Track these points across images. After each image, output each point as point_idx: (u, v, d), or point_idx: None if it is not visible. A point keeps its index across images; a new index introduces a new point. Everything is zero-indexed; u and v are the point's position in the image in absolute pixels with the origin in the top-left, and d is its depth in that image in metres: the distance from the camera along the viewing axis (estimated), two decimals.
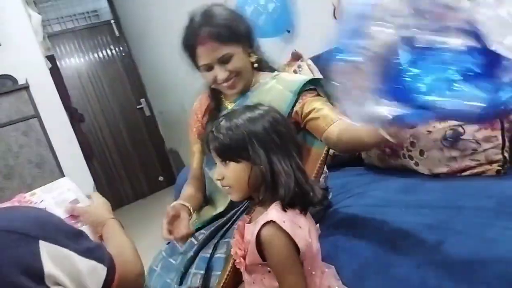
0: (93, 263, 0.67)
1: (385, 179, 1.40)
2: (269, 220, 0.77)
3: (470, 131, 1.16)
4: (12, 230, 0.58)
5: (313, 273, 0.82)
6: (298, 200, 0.81)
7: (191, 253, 1.09)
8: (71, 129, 2.73)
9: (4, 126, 2.38)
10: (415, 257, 0.89)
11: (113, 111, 4.45)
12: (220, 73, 1.16)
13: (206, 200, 1.36)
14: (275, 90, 1.21)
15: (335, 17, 1.89)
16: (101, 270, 0.68)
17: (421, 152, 1.27)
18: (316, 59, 1.89)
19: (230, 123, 0.83)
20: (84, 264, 0.65)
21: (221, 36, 1.13)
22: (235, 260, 0.87)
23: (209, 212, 1.29)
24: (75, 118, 4.02)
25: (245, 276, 0.87)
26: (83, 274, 0.64)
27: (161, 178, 4.55)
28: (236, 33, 1.16)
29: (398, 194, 1.22)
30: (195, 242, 1.13)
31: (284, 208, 0.79)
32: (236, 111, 0.89)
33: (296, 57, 1.91)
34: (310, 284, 0.81)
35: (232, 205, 1.21)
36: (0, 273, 0.54)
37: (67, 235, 0.65)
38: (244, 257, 0.82)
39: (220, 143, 0.83)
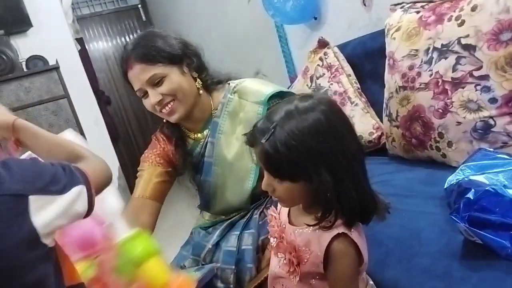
0: (74, 191, 0.62)
1: (409, 169, 1.38)
2: (340, 232, 0.71)
3: (502, 123, 1.13)
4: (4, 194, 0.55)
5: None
6: (361, 218, 0.75)
7: (208, 246, 1.09)
8: (99, 110, 2.80)
9: (35, 105, 2.46)
10: (439, 248, 0.88)
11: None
12: (153, 96, 1.08)
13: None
14: (243, 107, 1.15)
15: (364, 4, 1.85)
16: (82, 191, 0.63)
17: (449, 144, 1.25)
18: (343, 47, 1.87)
19: (286, 133, 0.67)
20: (68, 198, 0.61)
21: (147, 56, 1.06)
22: (289, 269, 0.77)
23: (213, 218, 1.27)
24: (102, 100, 4.11)
25: (286, 283, 0.81)
26: (70, 207, 0.61)
27: None
28: (166, 52, 1.08)
29: (423, 185, 1.21)
30: (209, 233, 1.14)
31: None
32: (290, 112, 0.71)
33: (323, 44, 1.89)
34: None
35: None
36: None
37: (47, 179, 0.60)
38: (297, 265, 0.75)
39: (275, 161, 0.69)
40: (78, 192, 0.63)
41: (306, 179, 0.70)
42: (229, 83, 1.21)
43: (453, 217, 0.85)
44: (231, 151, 1.17)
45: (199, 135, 1.21)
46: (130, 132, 4.49)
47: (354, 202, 0.70)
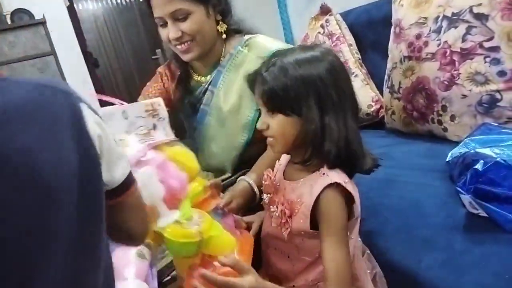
0: (122, 153, 0.56)
1: (408, 143, 1.35)
2: (332, 182, 0.69)
3: (509, 97, 1.09)
4: (54, 87, 0.48)
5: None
6: (347, 164, 0.72)
7: None
8: (86, 70, 2.69)
9: (20, 61, 2.34)
10: (440, 220, 0.86)
11: (127, 58, 4.38)
12: (172, 30, 1.04)
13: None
14: (248, 61, 1.11)
15: None
16: (127, 165, 0.57)
17: (452, 117, 1.21)
18: (346, 15, 1.80)
19: (285, 64, 0.71)
20: (118, 148, 0.55)
21: None
22: (281, 221, 0.76)
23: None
24: (89, 62, 3.97)
25: (278, 243, 0.80)
26: (115, 154, 0.54)
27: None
28: None
29: (423, 158, 1.18)
30: None
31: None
32: (293, 50, 0.77)
33: (325, 11, 1.82)
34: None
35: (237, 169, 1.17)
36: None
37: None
38: (289, 217, 0.74)
39: (270, 89, 0.71)
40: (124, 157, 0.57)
41: (297, 113, 0.71)
42: (244, 35, 1.16)
43: (458, 188, 0.81)
44: (228, 102, 1.13)
45: (203, 78, 1.18)
46: (119, 96, 4.37)
47: (339, 143, 0.70)
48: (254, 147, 1.13)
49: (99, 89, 3.46)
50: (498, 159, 0.78)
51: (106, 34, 4.29)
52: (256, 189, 0.99)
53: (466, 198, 0.81)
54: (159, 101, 0.90)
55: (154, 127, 0.89)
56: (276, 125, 0.73)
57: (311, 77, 0.70)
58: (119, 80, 4.37)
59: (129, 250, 0.73)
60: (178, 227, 0.71)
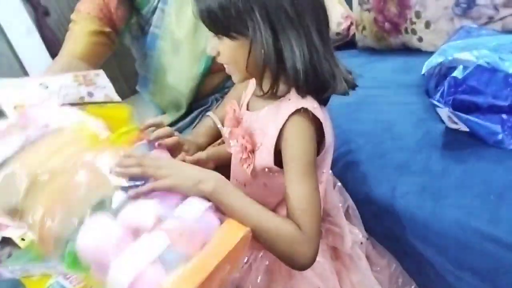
0: None
1: (381, 59, 1.22)
2: (299, 107, 0.58)
3: None
4: None
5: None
6: (316, 88, 0.60)
7: None
8: (29, 18, 2.41)
9: None
10: (415, 140, 0.76)
11: None
12: None
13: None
14: None
15: None
16: None
17: (427, 24, 1.07)
18: None
19: None
20: None
21: None
22: (241, 156, 0.65)
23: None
24: (38, 11, 3.61)
25: (242, 189, 0.67)
26: None
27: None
28: None
29: (396, 74, 1.06)
30: None
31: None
32: None
33: None
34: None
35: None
36: None
37: None
38: (251, 152, 0.64)
39: (207, 9, 0.59)
40: None
41: (244, 34, 0.57)
42: None
43: (434, 101, 0.70)
44: (182, 26, 0.99)
45: None
46: None
47: (304, 66, 0.57)
48: (211, 78, 1.02)
49: (51, 40, 3.18)
50: (480, 61, 0.66)
51: None
52: (220, 125, 0.89)
53: (444, 112, 0.70)
54: (98, 72, 0.77)
55: (90, 94, 0.79)
56: (225, 50, 0.62)
57: None
58: None
59: None
60: None
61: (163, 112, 1.12)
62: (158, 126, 0.78)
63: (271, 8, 0.56)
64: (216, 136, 0.90)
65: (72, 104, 0.77)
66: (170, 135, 0.75)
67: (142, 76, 1.12)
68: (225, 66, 0.65)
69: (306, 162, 0.58)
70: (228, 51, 0.61)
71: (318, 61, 0.58)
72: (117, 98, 0.82)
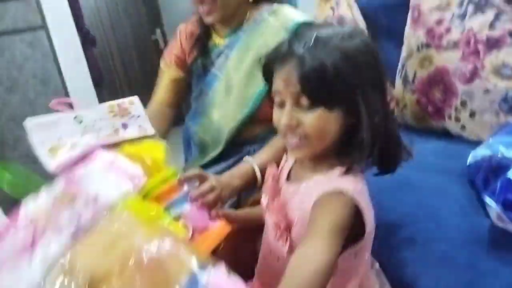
0: None
1: (421, 140, 1.23)
2: (336, 190, 0.55)
3: None
4: None
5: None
6: (382, 158, 0.60)
7: None
8: (80, 47, 2.55)
9: (9, 34, 2.21)
10: (460, 233, 0.75)
11: (126, 38, 4.22)
12: None
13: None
14: (270, 28, 1.04)
15: None
16: None
17: (472, 114, 1.09)
18: None
19: (330, 47, 0.54)
20: None
21: None
22: (276, 234, 0.61)
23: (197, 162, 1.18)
24: (86, 40, 3.82)
25: (275, 263, 0.66)
26: None
27: None
28: None
29: (438, 158, 1.06)
30: None
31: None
32: (323, 23, 0.67)
33: None
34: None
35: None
36: None
37: None
38: (287, 229, 0.61)
39: (312, 75, 0.53)
40: None
41: (343, 107, 0.56)
42: (274, 3, 1.10)
43: (486, 197, 0.70)
44: (240, 70, 1.07)
45: (222, 40, 1.12)
46: (116, 77, 4.22)
47: (385, 138, 0.58)
48: (253, 126, 1.09)
49: (94, 69, 3.33)
50: None
51: (104, 11, 4.13)
52: (259, 174, 0.91)
53: (494, 209, 0.70)
54: (133, 100, 0.86)
55: (125, 126, 0.82)
56: (314, 121, 0.56)
57: (361, 69, 0.55)
58: (116, 61, 4.23)
59: None
60: None
61: (201, 148, 1.19)
62: (200, 178, 0.80)
63: (367, 89, 0.56)
64: (251, 183, 0.92)
65: (109, 146, 0.79)
66: (200, 176, 0.77)
67: (193, 109, 1.21)
68: (293, 139, 0.59)
69: (331, 230, 0.52)
70: (318, 121, 0.56)
71: (395, 130, 0.60)
72: (150, 130, 0.87)
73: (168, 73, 1.20)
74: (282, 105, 0.59)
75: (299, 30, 0.60)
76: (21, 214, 0.60)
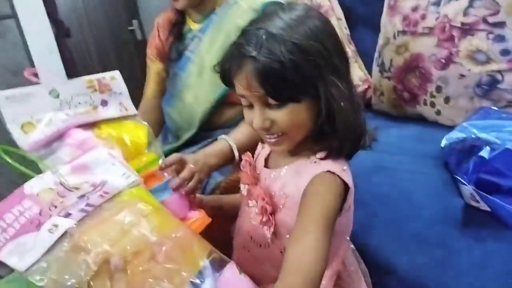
0: None
1: (397, 126, 1.25)
2: (325, 170, 0.55)
3: (510, 79, 0.99)
4: None
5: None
6: (356, 143, 0.59)
7: None
8: (53, 37, 2.47)
9: None
10: (433, 212, 0.76)
11: (102, 29, 4.12)
12: None
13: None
14: (240, 10, 1.05)
15: None
16: None
17: (447, 100, 1.11)
18: None
19: (282, 36, 0.52)
20: None
21: None
22: (261, 219, 0.61)
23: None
24: (60, 31, 3.71)
25: (252, 246, 0.67)
26: None
27: None
28: None
29: (414, 142, 1.07)
30: None
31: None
32: (269, 14, 0.57)
33: None
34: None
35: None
36: None
37: None
38: (271, 214, 0.61)
39: (271, 73, 0.52)
40: None
41: (311, 94, 0.54)
42: None
43: (458, 178, 0.71)
44: (211, 52, 1.07)
45: (196, 25, 1.12)
46: (92, 69, 4.13)
47: (351, 124, 0.56)
48: (226, 109, 1.09)
49: (69, 61, 3.24)
50: (508, 146, 0.68)
51: (79, 1, 4.02)
52: (235, 150, 0.90)
53: (467, 189, 0.71)
54: (114, 75, 0.81)
55: (104, 103, 0.77)
56: (286, 116, 0.55)
57: (318, 42, 0.53)
58: (92, 52, 4.12)
59: None
60: None
61: (175, 131, 1.20)
62: (180, 163, 0.78)
63: (331, 69, 0.54)
64: (227, 160, 0.90)
65: (86, 125, 0.75)
66: (179, 161, 0.75)
67: (168, 92, 1.21)
68: (271, 137, 0.59)
69: (324, 217, 0.53)
70: (290, 116, 0.55)
71: (360, 116, 0.58)
72: (131, 109, 0.81)
73: (153, 67, 1.22)
74: (250, 106, 0.58)
75: (247, 28, 0.57)
76: (26, 193, 0.56)
